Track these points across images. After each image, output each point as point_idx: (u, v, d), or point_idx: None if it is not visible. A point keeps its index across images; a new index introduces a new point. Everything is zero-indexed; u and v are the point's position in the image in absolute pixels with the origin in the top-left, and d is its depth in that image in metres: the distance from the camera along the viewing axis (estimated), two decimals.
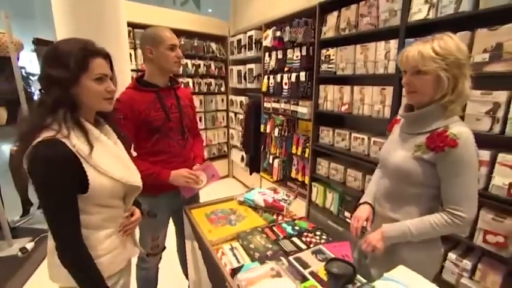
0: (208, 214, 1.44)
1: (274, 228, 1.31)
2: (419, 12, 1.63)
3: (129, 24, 2.95)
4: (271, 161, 3.28)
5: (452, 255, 1.60)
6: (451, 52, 0.87)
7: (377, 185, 1.16)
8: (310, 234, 1.26)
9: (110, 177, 0.86)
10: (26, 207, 2.85)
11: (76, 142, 0.79)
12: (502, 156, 1.36)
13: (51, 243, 0.85)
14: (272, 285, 0.91)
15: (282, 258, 1.09)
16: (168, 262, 1.73)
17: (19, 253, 2.19)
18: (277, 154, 3.17)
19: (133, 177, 0.97)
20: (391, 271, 0.88)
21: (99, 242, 0.89)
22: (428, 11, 1.59)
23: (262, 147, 3.42)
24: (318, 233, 1.28)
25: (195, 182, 1.42)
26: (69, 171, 0.79)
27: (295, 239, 1.23)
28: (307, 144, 2.68)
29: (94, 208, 0.87)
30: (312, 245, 1.19)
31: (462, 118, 1.46)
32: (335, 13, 2.20)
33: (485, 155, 1.41)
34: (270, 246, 1.16)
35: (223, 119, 4.16)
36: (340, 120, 2.51)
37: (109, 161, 0.88)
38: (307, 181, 2.73)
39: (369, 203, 1.18)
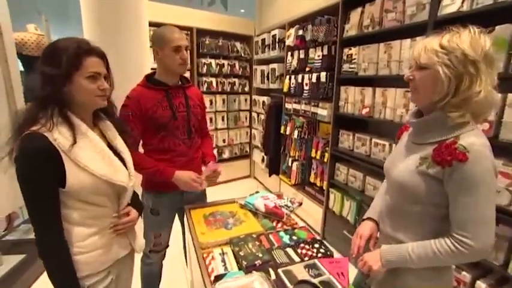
0: (207, 216, 1.41)
1: (270, 236, 1.24)
2: (452, 4, 1.44)
3: (155, 25, 3.06)
4: (290, 163, 3.18)
5: (481, 284, 1.39)
6: (460, 46, 0.73)
7: (382, 198, 1.03)
8: (307, 246, 1.17)
9: (91, 174, 0.86)
10: None
11: (57, 136, 0.80)
12: None
13: None
14: None
15: (271, 269, 1.02)
16: (174, 258, 1.74)
17: None
18: (297, 157, 3.07)
19: (118, 175, 0.94)
20: None
21: (78, 239, 0.88)
22: (463, 2, 1.39)
23: (282, 149, 3.33)
24: (316, 245, 1.18)
25: (199, 185, 1.40)
26: (46, 163, 0.80)
27: (289, 250, 1.15)
28: (327, 148, 2.54)
29: (76, 203, 0.87)
30: (306, 258, 1.10)
31: (498, 127, 1.28)
32: (359, 9, 2.05)
33: None
34: (261, 255, 1.09)
35: (246, 118, 4.14)
36: (363, 124, 2.34)
37: (91, 157, 0.87)
38: (325, 187, 2.60)
39: (372, 219, 1.05)
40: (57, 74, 0.81)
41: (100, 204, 0.93)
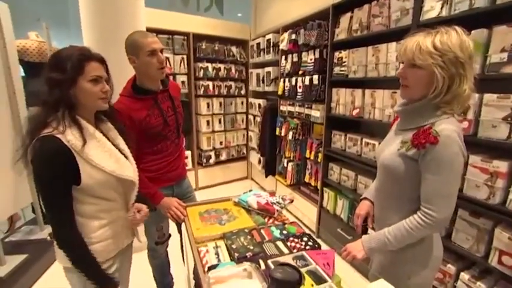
0: (202, 212, 1.47)
1: (262, 231, 1.30)
2: (432, 10, 1.52)
3: (153, 30, 3.14)
4: (285, 164, 3.25)
5: (465, 276, 1.45)
6: (452, 48, 0.81)
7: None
8: (296, 240, 1.23)
9: (102, 171, 0.94)
10: None
11: (70, 138, 0.88)
12: None
13: None
14: (239, 285, 0.91)
15: (260, 260, 1.08)
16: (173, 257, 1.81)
17: (48, 237, 2.43)
18: (292, 158, 3.14)
19: (125, 171, 1.04)
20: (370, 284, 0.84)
21: (91, 231, 0.98)
22: (441, 8, 1.47)
23: (278, 150, 3.40)
24: (304, 239, 1.24)
25: (178, 216, 1.42)
26: (62, 164, 0.88)
27: (279, 243, 1.21)
28: (320, 149, 2.62)
29: (89, 199, 0.96)
30: (295, 251, 1.17)
31: (476, 126, 1.35)
32: (348, 14, 2.13)
33: (503, 166, 1.27)
34: (252, 248, 1.15)
35: (243, 121, 4.21)
36: (354, 125, 2.41)
37: (101, 156, 0.96)
38: (319, 186, 2.66)
39: (368, 199, 1.16)
40: (64, 79, 0.89)
41: (110, 198, 1.03)
